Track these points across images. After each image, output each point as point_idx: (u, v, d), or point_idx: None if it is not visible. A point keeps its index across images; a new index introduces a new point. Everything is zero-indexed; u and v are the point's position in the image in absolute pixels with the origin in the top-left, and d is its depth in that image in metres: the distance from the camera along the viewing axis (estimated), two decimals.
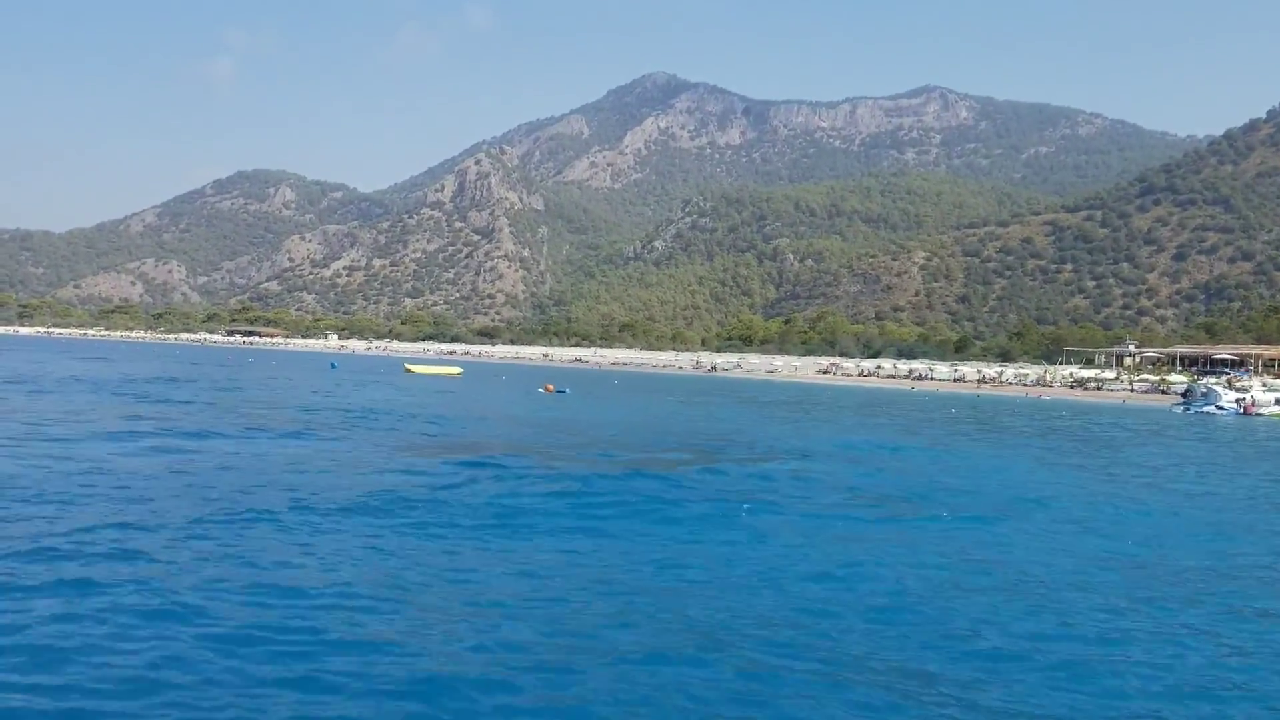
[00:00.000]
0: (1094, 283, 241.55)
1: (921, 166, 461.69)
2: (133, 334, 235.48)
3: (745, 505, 18.38)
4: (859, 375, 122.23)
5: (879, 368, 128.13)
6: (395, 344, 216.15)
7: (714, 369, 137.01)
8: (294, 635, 9.36)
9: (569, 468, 22.80)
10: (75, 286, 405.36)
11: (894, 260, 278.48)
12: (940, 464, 28.43)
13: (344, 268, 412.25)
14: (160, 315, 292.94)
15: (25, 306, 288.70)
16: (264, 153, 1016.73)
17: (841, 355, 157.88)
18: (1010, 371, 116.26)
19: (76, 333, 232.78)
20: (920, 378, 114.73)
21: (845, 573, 13.08)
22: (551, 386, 63.83)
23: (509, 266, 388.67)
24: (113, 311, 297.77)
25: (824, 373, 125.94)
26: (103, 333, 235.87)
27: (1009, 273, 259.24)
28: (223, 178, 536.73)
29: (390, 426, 32.48)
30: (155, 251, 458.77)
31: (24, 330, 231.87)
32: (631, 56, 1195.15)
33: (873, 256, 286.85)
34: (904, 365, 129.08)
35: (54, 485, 16.71)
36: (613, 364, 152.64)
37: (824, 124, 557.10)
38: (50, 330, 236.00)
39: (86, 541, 12.58)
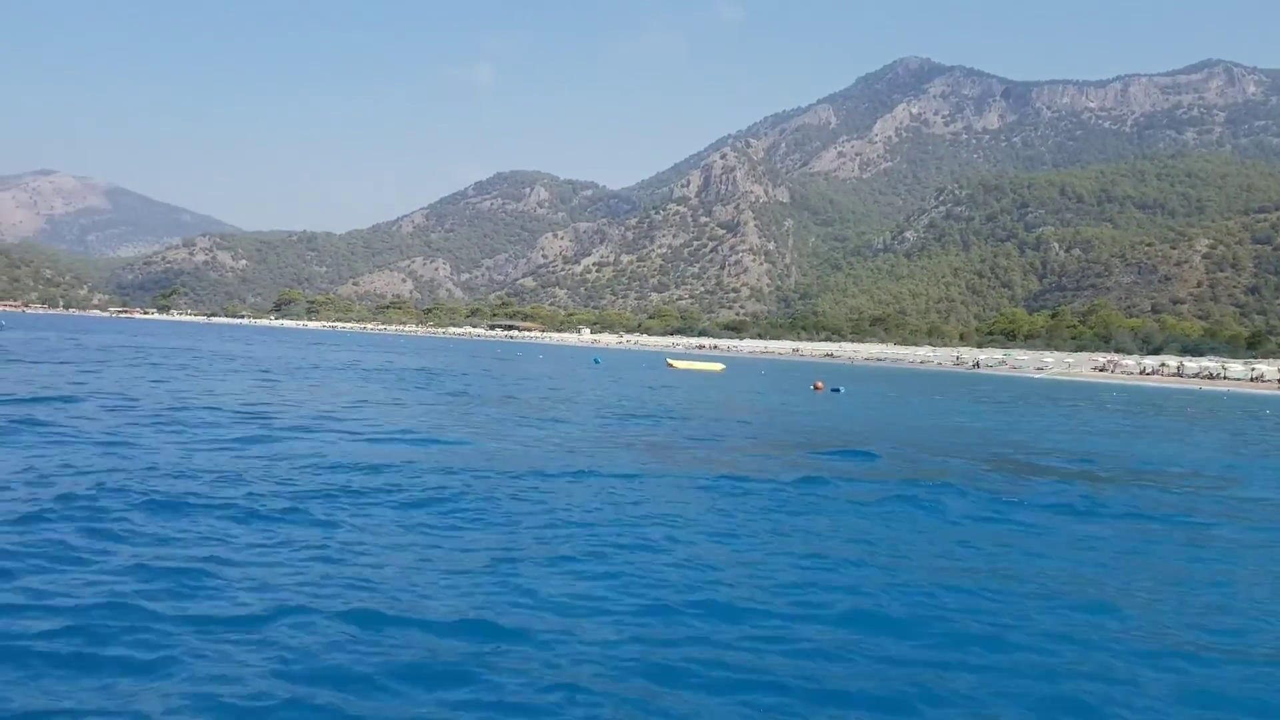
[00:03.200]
0: None
1: (1203, 147, 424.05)
2: (405, 328, 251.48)
3: None
4: (1140, 374, 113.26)
5: (1163, 365, 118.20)
6: (645, 338, 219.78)
7: (976, 365, 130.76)
8: None
9: None
10: (354, 283, 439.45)
11: (1173, 249, 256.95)
12: None
13: (593, 264, 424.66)
14: (429, 310, 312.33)
15: (312, 302, 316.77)
16: (520, 154, 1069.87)
17: (1117, 351, 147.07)
18: None
19: (356, 326, 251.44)
20: (1211, 376, 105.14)
21: None
22: (822, 384, 58.15)
23: (754, 260, 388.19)
24: (387, 307, 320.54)
25: (1100, 370, 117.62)
26: (379, 327, 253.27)
27: None
28: (483, 179, 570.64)
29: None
30: (423, 250, 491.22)
31: (311, 324, 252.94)
32: (882, 42, 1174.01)
33: (1148, 245, 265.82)
34: (1192, 363, 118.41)
35: None
36: (865, 359, 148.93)
37: (1092, 104, 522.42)
38: (334, 324, 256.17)
39: None
